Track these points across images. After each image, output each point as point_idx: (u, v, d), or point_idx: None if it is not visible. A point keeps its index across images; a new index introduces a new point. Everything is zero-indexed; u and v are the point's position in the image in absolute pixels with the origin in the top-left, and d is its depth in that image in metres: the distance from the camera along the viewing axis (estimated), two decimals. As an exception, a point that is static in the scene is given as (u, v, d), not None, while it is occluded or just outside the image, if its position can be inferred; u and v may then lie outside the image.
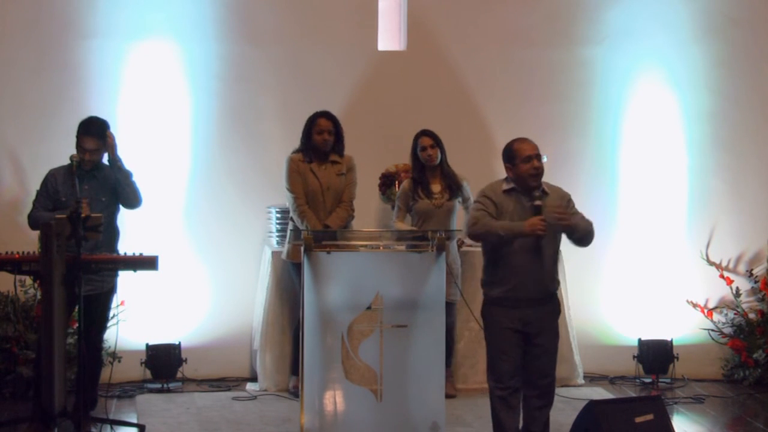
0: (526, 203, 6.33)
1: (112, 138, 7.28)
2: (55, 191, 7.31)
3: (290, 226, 8.16)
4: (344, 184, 8.14)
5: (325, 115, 8.10)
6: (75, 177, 7.03)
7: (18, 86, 8.54)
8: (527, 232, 6.23)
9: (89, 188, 7.26)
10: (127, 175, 7.31)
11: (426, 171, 8.27)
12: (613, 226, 9.10)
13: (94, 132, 7.25)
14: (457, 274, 8.26)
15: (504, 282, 6.39)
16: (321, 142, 8.06)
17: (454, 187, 8.24)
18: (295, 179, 8.07)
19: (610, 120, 9.14)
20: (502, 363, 6.38)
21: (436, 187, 8.25)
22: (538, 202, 6.28)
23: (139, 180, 7.45)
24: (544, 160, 6.43)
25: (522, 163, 6.32)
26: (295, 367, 8.23)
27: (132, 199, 7.36)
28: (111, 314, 7.61)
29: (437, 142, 8.27)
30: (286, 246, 8.18)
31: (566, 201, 6.48)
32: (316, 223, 7.97)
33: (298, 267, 7.98)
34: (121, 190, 7.31)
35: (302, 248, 6.72)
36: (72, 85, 8.59)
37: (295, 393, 8.11)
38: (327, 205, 8.09)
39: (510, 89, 9.05)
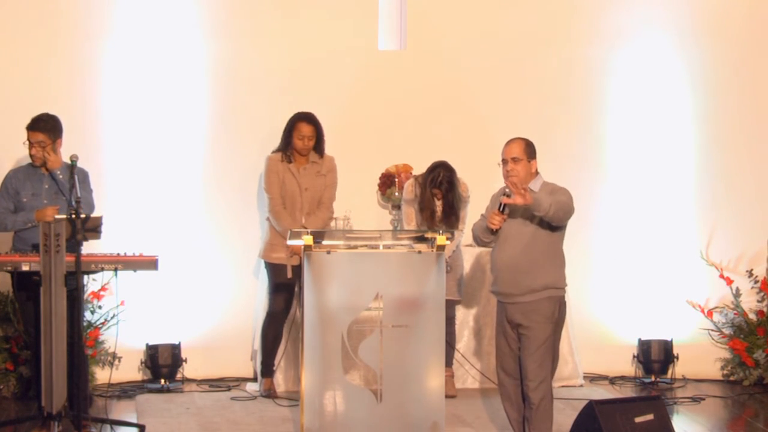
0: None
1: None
2: (16, 192, 7.34)
3: (267, 226, 8.20)
4: (324, 185, 8.15)
5: (306, 119, 8.09)
6: (74, 177, 7.00)
7: (17, 86, 8.53)
8: (489, 227, 6.50)
9: (50, 188, 7.29)
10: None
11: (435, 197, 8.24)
12: (613, 225, 9.09)
13: (40, 127, 7.28)
14: (459, 273, 8.27)
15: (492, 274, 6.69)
16: (301, 147, 8.10)
17: (452, 218, 8.17)
18: (273, 180, 8.10)
19: (610, 120, 9.13)
20: (497, 357, 6.70)
21: (438, 208, 8.20)
22: (503, 198, 6.42)
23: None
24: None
25: (501, 164, 6.54)
26: (266, 368, 8.25)
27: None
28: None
29: (451, 178, 8.14)
30: (261, 245, 8.24)
31: (547, 193, 6.50)
32: (290, 223, 7.98)
33: (269, 266, 8.15)
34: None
35: (302, 249, 6.73)
36: (71, 85, 8.59)
37: (268, 395, 8.14)
38: (304, 206, 8.10)
39: (510, 89, 9.04)
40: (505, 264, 6.52)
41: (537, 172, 6.56)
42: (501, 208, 6.43)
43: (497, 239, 6.55)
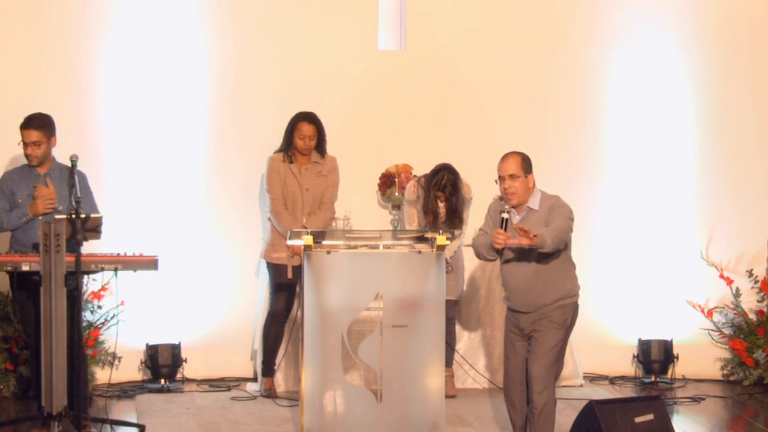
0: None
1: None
2: (11, 193, 7.32)
3: (269, 226, 8.20)
4: (325, 185, 8.15)
5: (308, 118, 8.08)
6: (74, 177, 7.00)
7: (14, 86, 8.53)
8: (493, 245, 6.39)
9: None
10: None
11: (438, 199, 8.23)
12: (613, 226, 9.09)
13: (34, 125, 7.23)
14: (460, 273, 8.27)
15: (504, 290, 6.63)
16: (302, 147, 8.09)
17: (455, 221, 8.17)
18: (274, 180, 8.10)
19: (610, 120, 9.13)
20: (504, 363, 6.65)
21: (441, 210, 8.19)
22: (504, 215, 6.37)
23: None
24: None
25: (499, 181, 6.45)
26: (266, 368, 8.25)
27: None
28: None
29: (455, 181, 8.13)
30: (263, 245, 8.24)
31: (546, 210, 6.45)
32: (291, 223, 7.98)
33: (271, 266, 8.17)
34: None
35: (302, 249, 6.73)
36: (71, 84, 8.59)
37: (268, 395, 8.14)
38: (305, 207, 8.11)
39: (510, 89, 9.04)
40: (516, 287, 6.47)
41: (534, 185, 6.47)
42: (503, 225, 6.35)
43: (502, 256, 6.48)
